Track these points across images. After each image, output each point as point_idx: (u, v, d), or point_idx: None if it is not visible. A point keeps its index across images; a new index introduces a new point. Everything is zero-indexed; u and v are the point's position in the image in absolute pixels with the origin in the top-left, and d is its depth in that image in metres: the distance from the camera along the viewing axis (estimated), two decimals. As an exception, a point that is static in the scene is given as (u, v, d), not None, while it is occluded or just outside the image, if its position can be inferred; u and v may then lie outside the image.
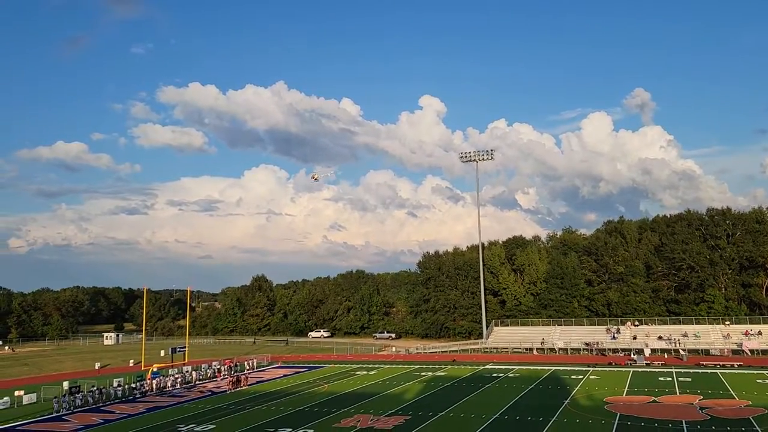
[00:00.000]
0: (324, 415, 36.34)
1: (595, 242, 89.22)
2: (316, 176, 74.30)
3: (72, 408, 41.26)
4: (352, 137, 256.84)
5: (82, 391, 43.47)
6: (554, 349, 71.81)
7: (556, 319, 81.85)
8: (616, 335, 73.06)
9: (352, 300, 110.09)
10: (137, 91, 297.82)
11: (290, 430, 32.41)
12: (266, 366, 65.57)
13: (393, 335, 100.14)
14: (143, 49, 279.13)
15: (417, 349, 78.74)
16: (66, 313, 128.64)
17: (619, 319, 78.44)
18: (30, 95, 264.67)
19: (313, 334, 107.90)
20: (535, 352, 71.88)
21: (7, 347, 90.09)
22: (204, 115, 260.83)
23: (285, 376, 57.05)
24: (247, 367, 61.10)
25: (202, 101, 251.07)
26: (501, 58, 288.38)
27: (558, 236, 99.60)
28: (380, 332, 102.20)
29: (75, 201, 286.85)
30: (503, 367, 59.14)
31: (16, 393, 45.39)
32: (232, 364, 59.17)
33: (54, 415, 39.61)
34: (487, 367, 59.73)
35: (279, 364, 67.06)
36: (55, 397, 42.38)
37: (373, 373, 57.36)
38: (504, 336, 79.73)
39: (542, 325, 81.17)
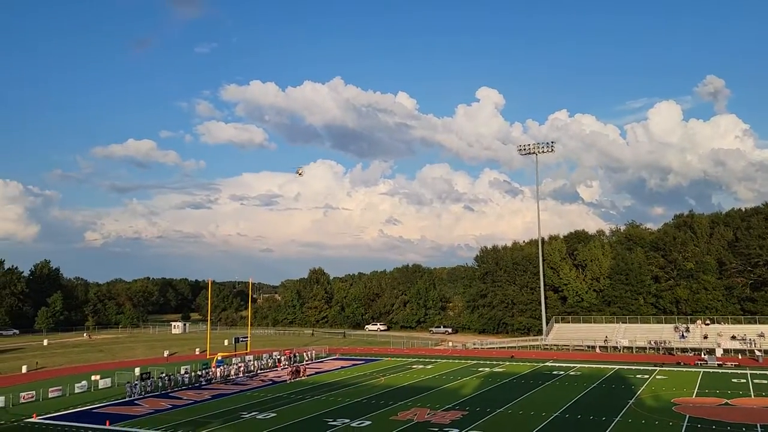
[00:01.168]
0: (381, 408, 36.65)
1: (663, 237, 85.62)
2: (300, 171, 75.66)
3: (143, 393, 43.37)
4: (408, 131, 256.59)
5: (152, 377, 45.60)
6: (618, 347, 69.56)
7: (621, 317, 79.17)
8: (685, 334, 69.99)
9: (408, 294, 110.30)
10: (201, 89, 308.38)
11: (348, 421, 32.88)
12: (324, 357, 66.70)
13: (449, 330, 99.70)
14: (207, 48, 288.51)
15: (474, 344, 78.11)
16: (137, 302, 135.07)
17: (689, 317, 75.05)
18: (103, 95, 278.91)
19: (369, 327, 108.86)
20: (597, 350, 69.85)
21: (85, 335, 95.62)
22: (264, 112, 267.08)
23: (342, 367, 57.86)
24: (306, 358, 62.37)
25: (263, 98, 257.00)
26: (562, 48, 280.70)
27: (622, 231, 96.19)
28: (436, 327, 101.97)
29: (145, 196, 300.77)
30: (564, 364, 57.83)
31: (93, 377, 48.16)
32: (291, 355, 60.56)
33: (127, 399, 41.76)
34: (546, 364, 58.57)
35: (337, 356, 68.08)
36: (128, 382, 44.67)
37: (429, 367, 57.34)
38: (565, 333, 77.88)
39: (605, 323, 78.70)
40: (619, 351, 68.69)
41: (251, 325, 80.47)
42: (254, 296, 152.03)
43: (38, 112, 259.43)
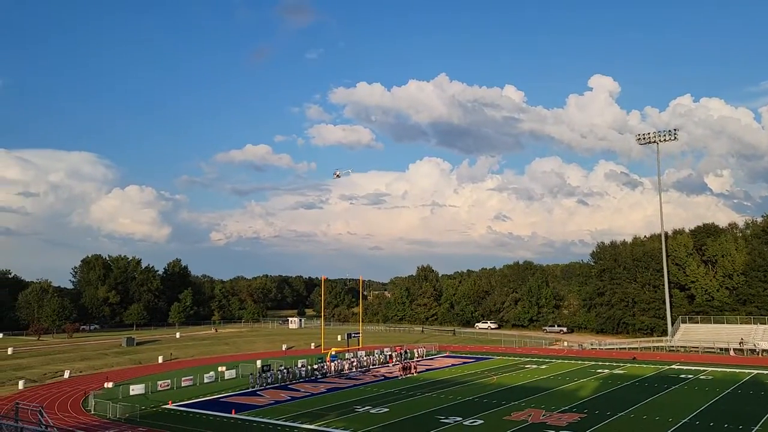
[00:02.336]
0: (494, 407, 36.05)
1: (809, 229, 76.68)
2: (338, 173, 75.08)
3: (264, 384, 45.92)
4: (516, 125, 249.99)
5: (272, 370, 48.13)
6: (756, 350, 63.32)
7: (758, 317, 71.97)
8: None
9: (520, 292, 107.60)
10: (312, 94, 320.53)
11: (460, 419, 32.68)
12: (435, 355, 66.79)
13: (564, 329, 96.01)
14: (316, 54, 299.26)
15: (591, 344, 74.60)
16: (257, 298, 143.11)
17: (843, 319, 66.69)
18: (224, 105, 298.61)
19: (480, 325, 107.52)
20: (732, 352, 64.06)
21: (212, 329, 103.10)
22: (371, 112, 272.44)
23: (453, 365, 57.62)
24: (417, 355, 62.82)
25: (369, 99, 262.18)
26: (682, 27, 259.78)
27: (759, 223, 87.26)
28: (550, 325, 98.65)
29: (262, 198, 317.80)
30: (693, 367, 53.62)
31: (220, 368, 51.80)
32: (402, 351, 61.27)
33: (250, 390, 44.41)
34: (673, 367, 54.62)
35: (447, 354, 67.92)
36: (251, 374, 47.52)
37: (543, 367, 55.58)
38: (693, 334, 72.18)
39: (740, 323, 71.98)
40: (758, 354, 62.54)
41: (362, 321, 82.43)
42: (365, 293, 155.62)
43: (167, 124, 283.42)
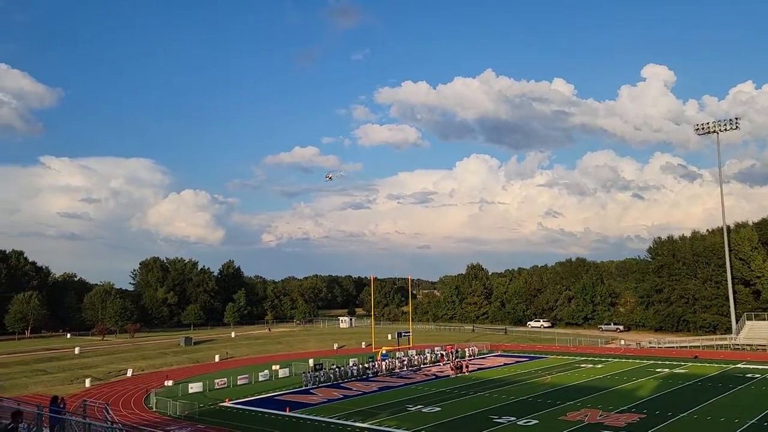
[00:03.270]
0: (548, 407, 35.39)
1: None
2: (330, 176, 74.01)
3: (317, 383, 46.55)
4: (566, 118, 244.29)
5: (324, 369, 48.76)
6: (830, 349, 59.87)
7: (832, 314, 68.00)
8: None
9: (573, 289, 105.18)
10: (358, 95, 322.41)
11: (513, 419, 32.23)
12: (486, 354, 66.11)
13: (621, 327, 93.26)
14: (361, 55, 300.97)
15: (650, 343, 72.17)
16: (308, 298, 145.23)
17: None
18: (273, 109, 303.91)
19: (532, 323, 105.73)
20: (803, 351, 60.76)
21: (266, 328, 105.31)
22: (417, 111, 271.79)
23: (505, 364, 56.89)
24: (468, 354, 62.34)
25: (414, 98, 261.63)
26: (742, 9, 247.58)
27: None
28: (606, 324, 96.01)
29: (310, 199, 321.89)
30: (760, 366, 51.11)
31: (273, 367, 52.85)
32: (453, 350, 60.93)
33: (303, 388, 45.12)
34: (738, 366, 52.23)
35: (499, 353, 67.11)
36: (304, 373, 48.30)
37: (599, 366, 54.16)
38: (761, 331, 68.78)
39: (812, 321, 68.16)
40: (833, 354, 59.08)
41: (412, 320, 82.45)
42: (414, 292, 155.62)
43: (219, 130, 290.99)
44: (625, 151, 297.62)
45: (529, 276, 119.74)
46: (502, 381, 46.33)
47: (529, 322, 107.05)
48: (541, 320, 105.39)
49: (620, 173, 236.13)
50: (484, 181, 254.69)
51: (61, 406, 18.64)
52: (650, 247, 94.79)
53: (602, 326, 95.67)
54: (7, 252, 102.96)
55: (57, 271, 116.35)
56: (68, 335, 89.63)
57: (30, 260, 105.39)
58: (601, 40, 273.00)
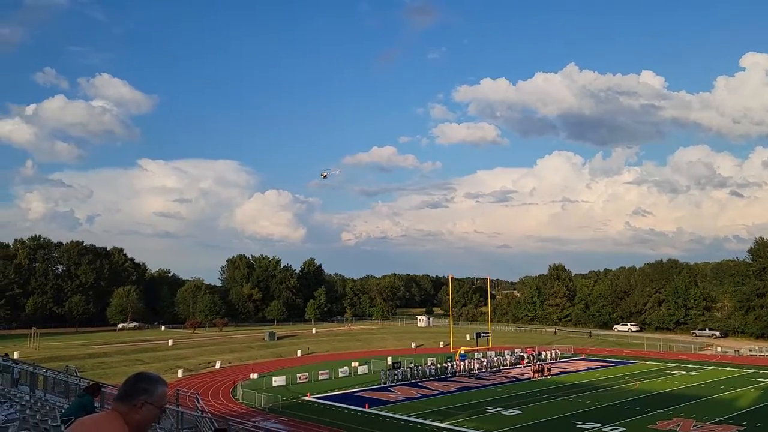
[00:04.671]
0: (636, 414, 33.78)
1: None
2: (325, 174, 71.45)
3: (395, 381, 46.86)
4: (655, 113, 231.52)
5: (402, 367, 49.01)
6: None
7: None
8: None
9: (664, 292, 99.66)
10: (435, 93, 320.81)
11: (599, 425, 31.02)
12: (569, 357, 64.01)
13: (717, 333, 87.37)
14: (438, 53, 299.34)
15: (750, 350, 67.22)
16: (386, 297, 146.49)
17: None
18: (351, 109, 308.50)
19: (618, 327, 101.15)
20: None
21: (346, 325, 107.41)
22: (495, 108, 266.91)
23: (590, 369, 54.82)
24: (550, 357, 60.60)
25: (493, 95, 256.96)
26: None
27: None
28: (700, 329, 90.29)
29: (388, 198, 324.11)
30: None
31: (353, 364, 53.74)
32: (534, 353, 59.44)
33: (381, 385, 45.57)
34: None
35: (583, 357, 64.78)
36: (382, 370, 48.79)
37: (693, 374, 51.04)
38: None
39: None
40: None
41: (491, 321, 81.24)
42: (493, 292, 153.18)
43: (301, 132, 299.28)
44: (722, 146, 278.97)
45: (615, 277, 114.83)
46: (587, 386, 44.68)
47: (615, 326, 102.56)
48: (629, 324, 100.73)
49: (716, 169, 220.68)
50: (566, 178, 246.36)
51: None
52: (751, 248, 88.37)
53: (696, 331, 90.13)
54: (109, 249, 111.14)
55: (153, 267, 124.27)
56: (162, 328, 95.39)
57: (129, 257, 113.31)
58: (693, 28, 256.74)
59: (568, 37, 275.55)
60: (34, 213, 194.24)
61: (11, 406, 12.12)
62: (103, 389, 17.31)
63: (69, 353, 57.68)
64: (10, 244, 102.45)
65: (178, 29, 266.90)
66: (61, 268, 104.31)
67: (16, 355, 36.38)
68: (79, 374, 29.13)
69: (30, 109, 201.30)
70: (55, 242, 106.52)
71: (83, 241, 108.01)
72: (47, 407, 13.41)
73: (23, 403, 13.29)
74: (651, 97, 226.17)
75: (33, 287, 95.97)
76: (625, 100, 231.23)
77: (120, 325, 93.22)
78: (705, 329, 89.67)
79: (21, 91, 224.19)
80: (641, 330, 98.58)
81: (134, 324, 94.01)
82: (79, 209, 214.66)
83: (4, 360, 24.07)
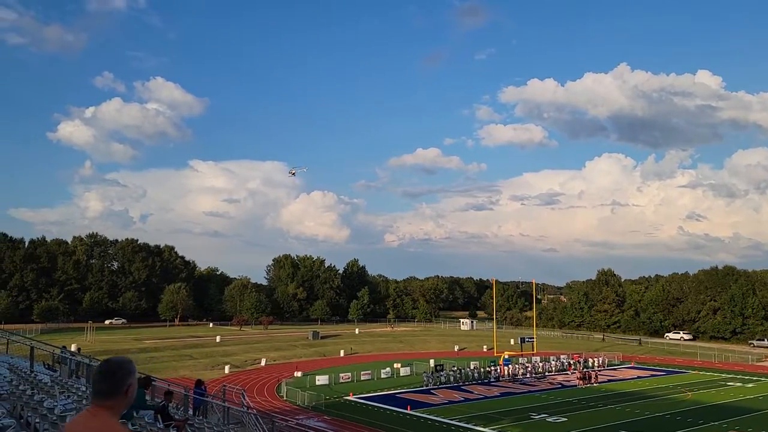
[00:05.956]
0: (688, 426, 32.58)
1: None
2: (293, 171, 69.65)
3: (437, 383, 46.63)
4: (712, 114, 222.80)
5: (444, 370, 48.73)
6: None
7: None
8: None
9: (719, 300, 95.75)
10: (481, 95, 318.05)
11: (648, 436, 30.06)
12: (617, 365, 62.27)
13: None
14: (485, 54, 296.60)
15: (814, 363, 63.84)
16: (429, 299, 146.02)
17: None
18: (396, 111, 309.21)
19: (670, 335, 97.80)
20: None
21: (389, 326, 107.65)
22: (543, 109, 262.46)
23: (639, 377, 53.19)
24: (597, 364, 59.11)
25: (541, 96, 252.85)
26: None
27: None
28: (759, 339, 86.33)
29: (432, 200, 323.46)
30: None
31: (395, 365, 53.80)
32: (580, 359, 58.11)
33: (424, 388, 45.43)
34: None
35: (632, 364, 62.90)
36: (425, 373, 48.63)
37: (750, 386, 48.82)
38: None
39: None
40: None
41: (536, 325, 79.86)
42: (538, 297, 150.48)
43: (346, 134, 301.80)
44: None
45: (667, 284, 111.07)
46: (636, 395, 43.37)
47: (666, 334, 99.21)
48: (681, 332, 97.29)
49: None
50: (616, 181, 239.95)
51: (203, 389, 20.43)
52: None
53: (754, 342, 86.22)
54: (162, 247, 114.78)
55: (202, 265, 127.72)
56: (211, 324, 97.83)
57: (179, 255, 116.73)
58: (751, 25, 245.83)
59: (620, 37, 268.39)
60: (91, 211, 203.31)
61: (68, 396, 12.68)
62: (153, 383, 17.92)
63: (122, 347, 59.90)
64: (69, 241, 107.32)
65: (228, 33, 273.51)
66: (116, 264, 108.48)
67: (73, 348, 37.97)
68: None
69: (89, 111, 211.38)
70: (111, 240, 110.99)
71: (137, 239, 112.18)
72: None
73: (80, 393, 13.89)
74: (707, 98, 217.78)
75: (90, 282, 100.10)
76: (680, 100, 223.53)
77: (107, 321, 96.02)
78: (764, 339, 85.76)
79: (81, 94, 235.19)
80: (694, 339, 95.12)
81: (122, 321, 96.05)
82: (133, 208, 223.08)
83: (62, 352, 25.22)
